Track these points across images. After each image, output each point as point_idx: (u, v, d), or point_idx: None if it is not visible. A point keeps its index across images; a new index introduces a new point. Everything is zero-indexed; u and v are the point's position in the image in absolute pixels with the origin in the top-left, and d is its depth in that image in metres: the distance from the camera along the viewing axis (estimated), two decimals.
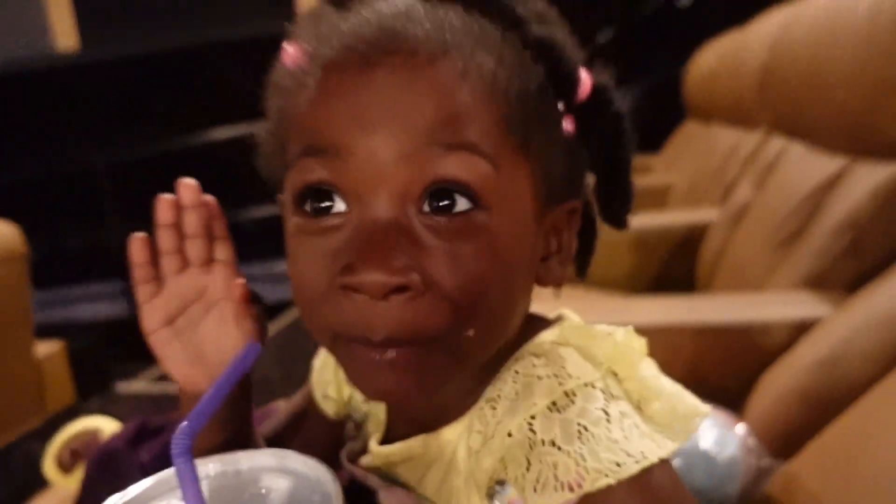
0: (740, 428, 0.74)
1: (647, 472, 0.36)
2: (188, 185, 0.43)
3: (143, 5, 5.77)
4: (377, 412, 0.51)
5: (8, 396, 1.93)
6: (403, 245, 0.36)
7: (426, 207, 0.37)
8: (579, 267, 0.49)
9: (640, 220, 1.85)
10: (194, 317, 0.45)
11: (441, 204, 0.37)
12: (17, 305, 1.95)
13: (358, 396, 0.54)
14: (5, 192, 4.36)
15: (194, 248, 0.44)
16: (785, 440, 0.78)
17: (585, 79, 0.41)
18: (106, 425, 1.08)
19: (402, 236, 0.36)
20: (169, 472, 0.37)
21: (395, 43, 0.37)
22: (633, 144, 0.44)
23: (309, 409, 0.58)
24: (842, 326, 0.85)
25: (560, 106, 0.41)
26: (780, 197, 1.35)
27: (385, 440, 0.49)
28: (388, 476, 0.48)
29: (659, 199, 2.33)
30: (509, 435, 0.39)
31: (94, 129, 5.45)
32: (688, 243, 1.70)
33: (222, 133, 4.25)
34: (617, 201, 0.45)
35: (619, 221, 0.45)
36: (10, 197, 4.13)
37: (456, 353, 0.38)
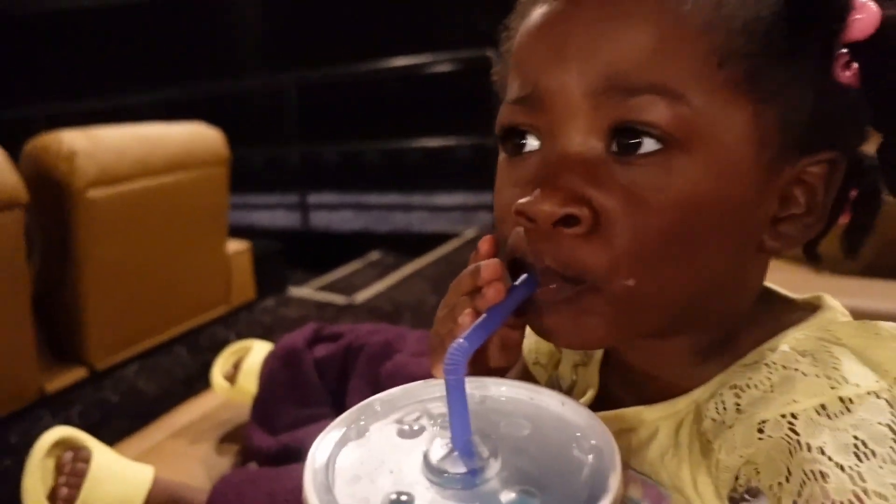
0: None
1: None
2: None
3: None
4: (588, 378, 0.49)
5: (202, 284, 2.14)
6: (582, 178, 0.35)
7: (615, 147, 0.35)
8: (850, 245, 0.42)
9: None
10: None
11: (631, 142, 0.34)
12: (218, 204, 2.13)
13: (566, 364, 0.52)
14: (209, 102, 4.80)
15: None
16: None
17: (868, 12, 0.35)
18: (259, 345, 1.22)
19: (583, 170, 0.35)
20: (415, 385, 0.37)
21: None
22: None
23: (525, 374, 0.56)
24: None
25: (826, 42, 0.35)
26: None
27: (596, 406, 0.46)
28: None
29: None
30: (760, 431, 0.34)
31: (289, 50, 5.81)
32: None
33: (403, 62, 4.32)
34: None
35: None
36: (212, 106, 4.54)
37: (613, 302, 0.36)
